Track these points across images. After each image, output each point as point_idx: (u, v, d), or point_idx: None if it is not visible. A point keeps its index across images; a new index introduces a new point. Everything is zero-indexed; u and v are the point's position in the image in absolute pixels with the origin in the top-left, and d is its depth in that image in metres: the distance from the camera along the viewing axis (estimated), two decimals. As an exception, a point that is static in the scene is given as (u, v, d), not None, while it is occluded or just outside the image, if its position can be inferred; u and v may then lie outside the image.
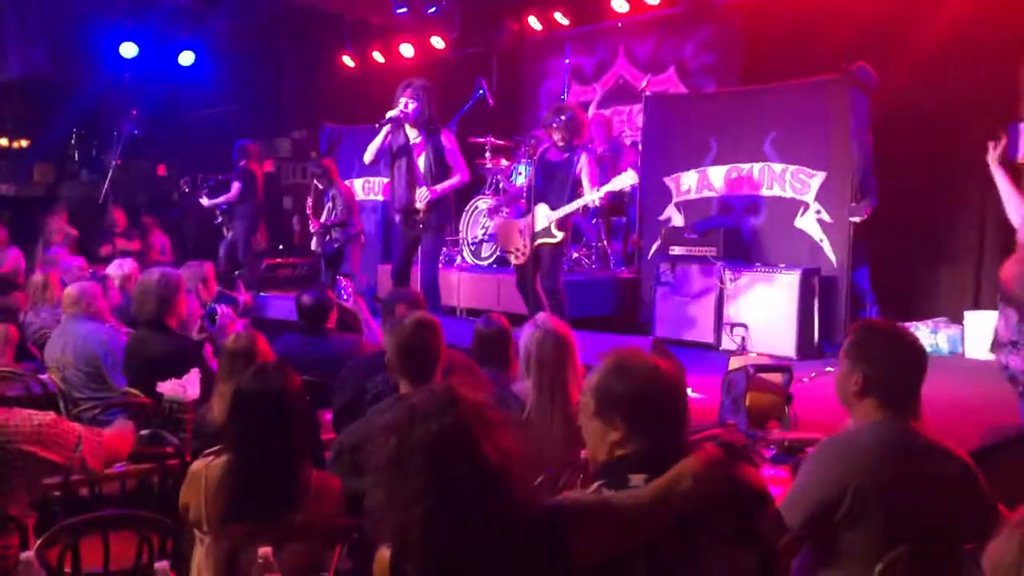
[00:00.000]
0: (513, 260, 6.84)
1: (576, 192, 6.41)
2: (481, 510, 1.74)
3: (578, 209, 6.56)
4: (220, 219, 9.90)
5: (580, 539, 1.85)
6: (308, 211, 8.98)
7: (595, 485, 2.13)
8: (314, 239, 8.86)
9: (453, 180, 6.72)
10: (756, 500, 2.13)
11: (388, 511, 1.78)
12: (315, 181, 9.04)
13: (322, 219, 8.72)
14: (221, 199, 9.77)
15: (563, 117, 6.52)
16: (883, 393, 2.54)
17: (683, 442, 2.10)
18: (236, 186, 9.65)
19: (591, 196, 6.37)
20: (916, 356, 2.59)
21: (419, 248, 6.85)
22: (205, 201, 9.92)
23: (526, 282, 6.67)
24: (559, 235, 6.44)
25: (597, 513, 1.93)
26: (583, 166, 6.43)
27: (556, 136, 6.53)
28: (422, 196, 6.62)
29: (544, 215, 6.45)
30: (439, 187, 6.62)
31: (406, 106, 6.59)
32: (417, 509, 1.73)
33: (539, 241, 6.47)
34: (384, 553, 1.87)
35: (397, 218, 6.99)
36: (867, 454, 2.47)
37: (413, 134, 6.70)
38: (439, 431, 1.75)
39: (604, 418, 2.14)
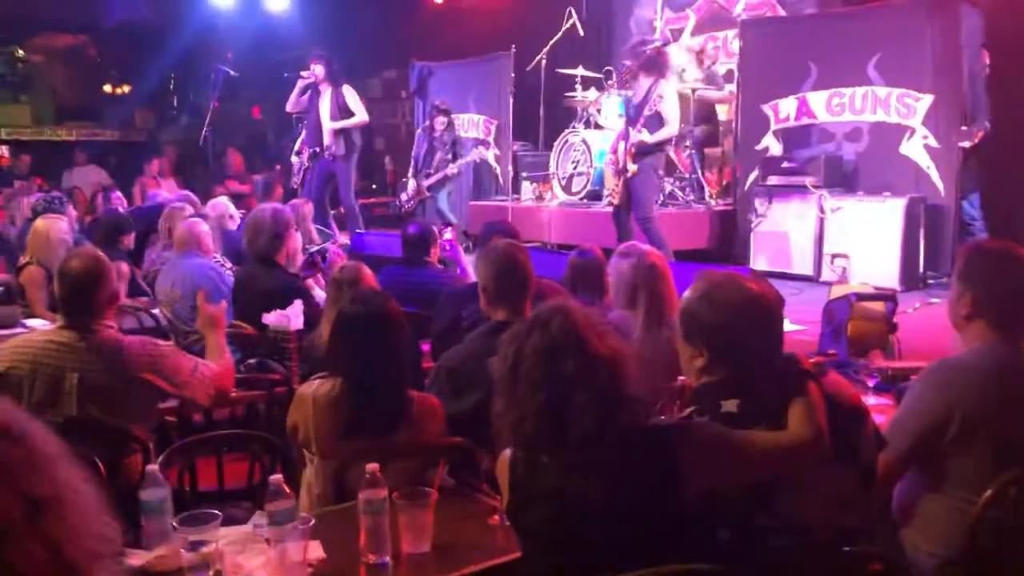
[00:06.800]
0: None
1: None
2: (591, 402, 1.82)
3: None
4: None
5: (691, 465, 1.88)
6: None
7: (687, 411, 2.14)
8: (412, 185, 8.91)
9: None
10: (854, 416, 2.10)
11: (507, 413, 1.89)
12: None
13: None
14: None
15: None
16: (993, 314, 2.46)
17: (774, 368, 2.07)
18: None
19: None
20: None
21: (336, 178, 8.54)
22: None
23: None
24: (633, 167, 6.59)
25: (714, 445, 1.95)
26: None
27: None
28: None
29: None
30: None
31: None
32: (532, 404, 1.84)
33: None
34: (505, 454, 1.94)
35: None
36: (976, 377, 2.40)
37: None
38: (548, 334, 1.87)
39: (690, 344, 2.14)
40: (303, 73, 8.56)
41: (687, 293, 2.20)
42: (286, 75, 9.18)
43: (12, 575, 0.85)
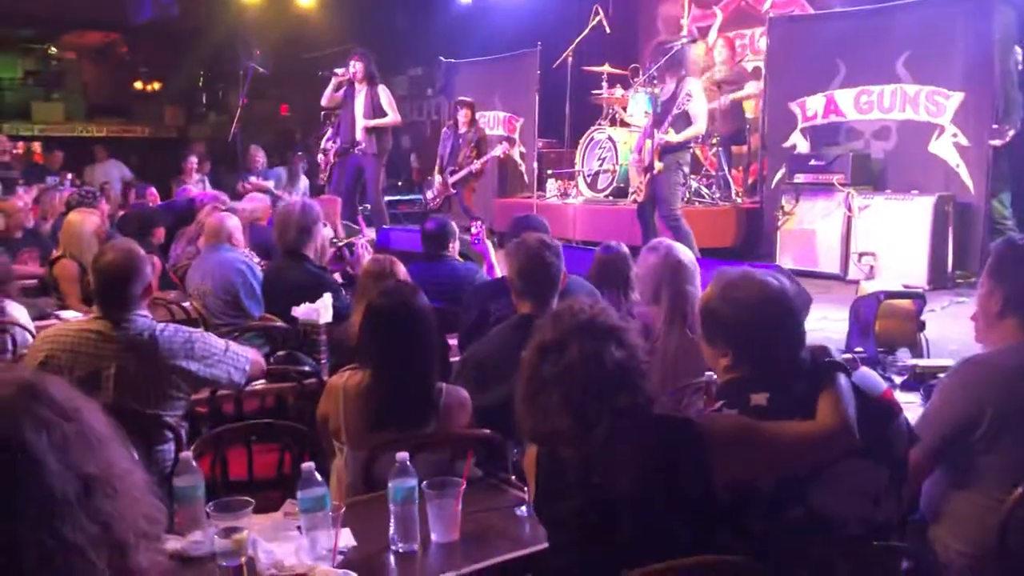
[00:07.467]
0: None
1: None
2: (566, 404, 1.84)
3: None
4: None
5: (719, 456, 1.89)
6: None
7: (717, 405, 2.15)
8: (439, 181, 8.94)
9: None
10: (885, 411, 2.10)
11: (519, 407, 1.93)
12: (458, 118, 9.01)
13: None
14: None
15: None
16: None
17: (800, 360, 2.08)
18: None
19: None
20: None
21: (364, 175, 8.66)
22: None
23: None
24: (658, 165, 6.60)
25: (742, 436, 1.96)
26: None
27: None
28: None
29: None
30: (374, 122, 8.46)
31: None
32: (535, 402, 1.88)
33: None
34: (533, 448, 1.97)
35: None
36: (1007, 374, 2.38)
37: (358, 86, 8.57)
38: (542, 335, 1.91)
39: (712, 344, 2.15)
40: (337, 70, 8.63)
41: (704, 293, 2.21)
42: (321, 73, 9.26)
43: (66, 550, 0.88)
